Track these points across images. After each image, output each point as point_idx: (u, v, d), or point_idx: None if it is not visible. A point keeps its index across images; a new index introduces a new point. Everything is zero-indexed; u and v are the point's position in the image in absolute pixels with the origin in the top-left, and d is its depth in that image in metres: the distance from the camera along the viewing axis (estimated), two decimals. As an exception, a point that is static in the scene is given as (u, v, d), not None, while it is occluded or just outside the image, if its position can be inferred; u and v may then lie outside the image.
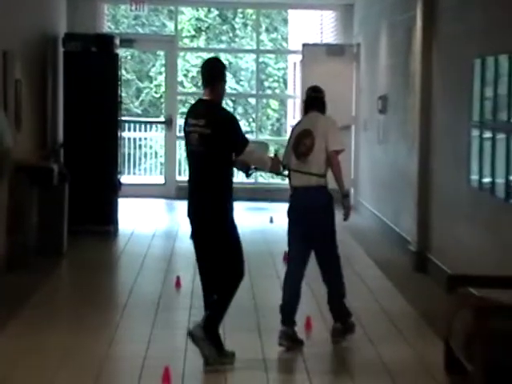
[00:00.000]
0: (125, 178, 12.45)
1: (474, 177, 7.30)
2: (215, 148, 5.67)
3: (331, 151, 6.35)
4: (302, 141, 6.28)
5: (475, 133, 7.32)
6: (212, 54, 21.56)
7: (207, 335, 5.70)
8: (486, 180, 6.99)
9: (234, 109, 21.62)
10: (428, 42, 8.86)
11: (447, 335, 5.61)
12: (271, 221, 11.98)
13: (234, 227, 5.86)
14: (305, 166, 6.25)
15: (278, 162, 6.08)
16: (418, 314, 7.24)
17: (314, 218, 6.36)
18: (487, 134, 7.01)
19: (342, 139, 6.62)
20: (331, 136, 6.36)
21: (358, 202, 13.14)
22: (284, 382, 5.88)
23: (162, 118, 15.49)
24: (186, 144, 5.82)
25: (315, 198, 6.31)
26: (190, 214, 5.84)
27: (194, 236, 5.85)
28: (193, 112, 5.82)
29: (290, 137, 6.44)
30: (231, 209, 5.81)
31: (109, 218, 10.60)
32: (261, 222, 11.99)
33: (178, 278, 7.95)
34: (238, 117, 21.48)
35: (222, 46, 21.78)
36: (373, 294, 7.97)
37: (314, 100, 6.47)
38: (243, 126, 18.33)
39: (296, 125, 6.55)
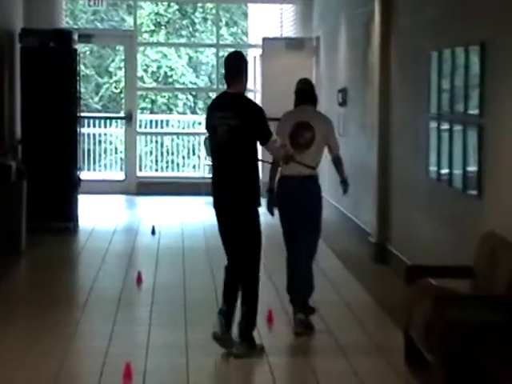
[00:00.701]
0: (84, 174, 12.37)
1: (433, 168, 7.37)
2: (244, 138, 5.83)
3: (336, 155, 6.94)
4: (301, 133, 6.53)
5: (433, 125, 7.38)
6: (172, 49, 21.57)
7: (244, 336, 5.87)
8: (444, 171, 7.06)
9: (195, 103, 21.59)
10: (386, 36, 8.92)
11: (407, 325, 5.66)
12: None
13: (258, 217, 6.02)
14: (300, 157, 6.44)
15: (287, 150, 6.25)
16: (377, 305, 7.30)
17: (304, 206, 6.56)
18: (445, 126, 7.08)
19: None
20: (332, 139, 6.82)
21: (319, 195, 13.16)
22: (248, 374, 5.88)
23: (121, 114, 15.41)
24: (213, 137, 5.92)
25: (308, 186, 6.59)
26: (218, 204, 6.01)
27: (222, 229, 6.03)
28: (219, 105, 5.96)
29: (279, 127, 6.62)
30: (258, 198, 5.97)
31: (68, 214, 10.53)
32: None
33: (139, 273, 7.93)
34: (198, 111, 21.61)
35: (182, 40, 21.72)
36: (333, 285, 8.01)
37: (304, 92, 6.71)
38: (203, 120, 18.28)
39: (287, 115, 6.74)
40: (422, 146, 7.68)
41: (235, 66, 5.94)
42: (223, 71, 5.97)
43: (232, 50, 21.46)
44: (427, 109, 7.52)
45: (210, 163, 6.20)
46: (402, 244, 8.42)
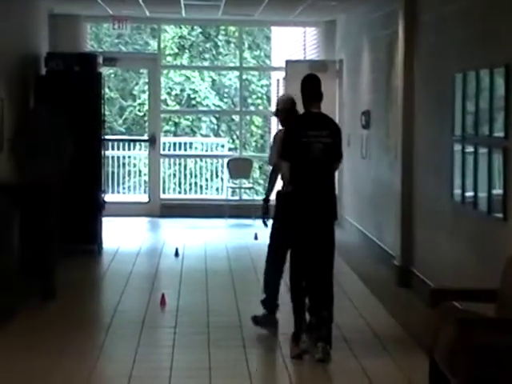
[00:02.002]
0: (108, 197, 12.44)
1: (457, 191, 7.35)
2: (333, 155, 6.50)
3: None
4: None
5: (457, 147, 7.37)
6: (196, 72, 21.69)
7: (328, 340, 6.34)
8: (469, 194, 7.04)
9: (218, 126, 21.69)
10: (409, 57, 8.94)
11: (431, 349, 5.63)
12: (256, 237, 11.99)
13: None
14: None
15: None
16: (401, 328, 7.26)
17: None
18: (469, 148, 7.07)
19: None
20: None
21: (342, 217, 13.17)
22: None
23: (145, 136, 15.51)
24: (304, 154, 6.35)
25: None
26: (308, 217, 6.38)
27: (307, 240, 6.40)
28: (312, 124, 6.47)
29: (276, 143, 6.95)
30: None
31: (93, 236, 10.58)
32: (245, 239, 12.01)
33: (162, 295, 7.95)
34: (221, 134, 21.70)
35: (206, 63, 21.86)
36: (357, 308, 7.99)
37: (292, 113, 7.06)
38: (226, 143, 18.37)
39: (280, 134, 6.99)
40: (446, 168, 7.67)
41: (319, 87, 6.56)
42: (306, 91, 6.55)
43: (255, 72, 21.71)
44: (451, 131, 7.52)
45: (296, 180, 6.46)
46: (426, 267, 8.39)
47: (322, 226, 6.44)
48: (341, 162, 6.70)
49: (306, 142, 6.36)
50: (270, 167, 7.29)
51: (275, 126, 18.93)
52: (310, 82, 6.57)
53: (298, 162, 6.40)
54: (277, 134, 7.32)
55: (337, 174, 13.47)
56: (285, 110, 7.14)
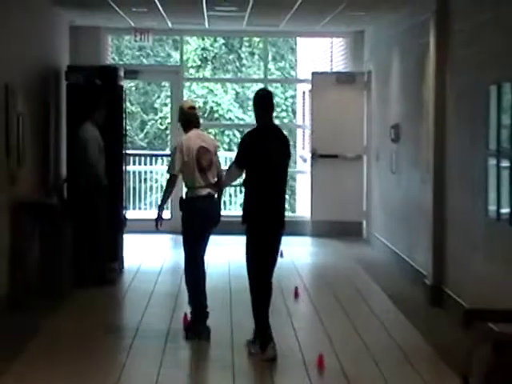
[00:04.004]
0: (130, 213, 12.47)
1: (492, 207, 7.29)
2: (287, 166, 7.12)
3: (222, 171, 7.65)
4: (203, 156, 7.49)
5: (492, 161, 7.32)
6: (218, 84, 21.79)
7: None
8: (504, 210, 6.98)
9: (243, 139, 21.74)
10: (441, 68, 8.91)
11: (466, 372, 5.57)
12: (281, 255, 11.95)
13: None
14: (207, 178, 7.51)
15: None
16: (433, 350, 7.21)
17: (213, 220, 7.62)
18: (505, 163, 7.01)
19: None
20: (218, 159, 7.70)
21: (371, 235, 13.12)
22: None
23: (167, 151, 15.56)
24: (264, 165, 6.93)
25: (215, 205, 7.66)
26: (268, 225, 6.98)
27: (266, 247, 6.98)
28: (269, 136, 7.00)
29: (181, 150, 7.50)
30: None
31: (114, 254, 10.59)
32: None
33: (185, 315, 7.93)
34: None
35: (229, 75, 21.93)
36: (386, 329, 7.94)
37: (196, 117, 7.64)
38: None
39: (185, 141, 7.55)
40: (479, 183, 7.62)
41: (272, 101, 7.04)
42: (257, 106, 6.98)
43: (279, 84, 21.73)
44: (485, 145, 7.47)
45: (254, 188, 7.03)
46: (459, 286, 8.32)
47: (279, 234, 7.00)
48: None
49: (267, 153, 6.85)
50: (168, 176, 7.64)
51: (301, 139, 18.98)
52: (267, 97, 7.04)
53: (257, 170, 6.90)
54: (180, 141, 7.67)
55: (365, 189, 13.60)
56: (183, 115, 7.65)
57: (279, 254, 7.20)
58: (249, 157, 6.91)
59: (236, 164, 7.02)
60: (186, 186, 7.58)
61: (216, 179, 7.53)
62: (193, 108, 7.64)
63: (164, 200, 7.65)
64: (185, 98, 15.81)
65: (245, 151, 6.94)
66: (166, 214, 14.49)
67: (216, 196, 7.64)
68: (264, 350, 6.86)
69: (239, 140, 7.22)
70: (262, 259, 7.01)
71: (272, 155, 6.91)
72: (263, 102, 6.99)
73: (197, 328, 7.51)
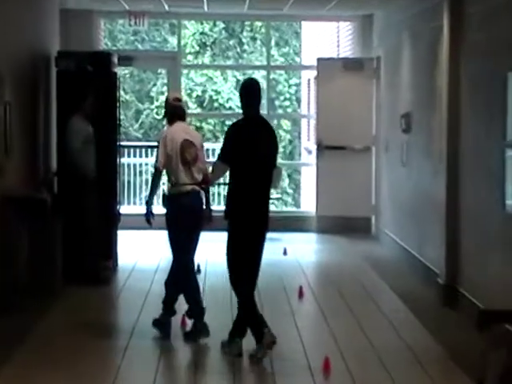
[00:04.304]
0: (124, 209, 12.48)
1: (510, 201, 7.30)
2: (274, 159, 7.26)
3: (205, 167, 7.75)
4: (187, 150, 7.55)
5: (510, 153, 7.33)
6: (218, 72, 21.79)
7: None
8: (522, 204, 7.00)
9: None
10: (455, 54, 8.91)
11: (481, 375, 5.59)
12: (285, 252, 11.99)
13: None
14: (192, 173, 7.57)
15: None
16: (446, 353, 7.23)
17: (199, 217, 7.65)
18: (522, 154, 7.03)
19: None
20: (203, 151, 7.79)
21: (380, 231, 13.14)
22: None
23: (164, 142, 15.52)
24: (252, 155, 7.00)
25: (200, 201, 7.67)
26: (255, 218, 7.08)
27: (252, 241, 7.10)
28: (259, 127, 7.10)
29: (165, 143, 7.54)
30: None
31: (107, 251, 10.61)
32: (273, 254, 12.00)
33: (183, 316, 7.95)
34: (247, 139, 21.70)
35: (229, 62, 21.92)
36: (396, 330, 7.97)
37: (181, 109, 7.70)
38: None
39: (174, 134, 7.60)
40: (496, 176, 7.63)
41: (260, 91, 7.08)
42: (244, 96, 7.03)
43: (283, 72, 21.70)
44: (503, 135, 7.48)
45: (233, 179, 7.12)
46: (474, 285, 8.34)
47: (265, 228, 7.13)
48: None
49: (256, 145, 6.93)
50: (154, 170, 7.72)
51: (305, 129, 18.98)
52: (255, 86, 7.09)
53: (242, 164, 6.96)
54: (162, 134, 7.84)
55: (374, 182, 13.60)
56: (168, 106, 7.76)
57: (261, 255, 7.23)
58: (234, 150, 6.95)
59: (221, 159, 7.06)
60: (169, 181, 7.62)
61: (201, 176, 7.56)
62: (178, 100, 7.72)
63: (151, 194, 7.69)
64: (182, 86, 15.82)
65: (230, 144, 6.98)
66: (157, 209, 14.55)
67: (202, 192, 7.68)
68: (261, 339, 6.97)
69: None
70: (243, 259, 7.11)
71: (259, 148, 6.97)
72: (250, 92, 7.04)
73: (195, 327, 7.59)
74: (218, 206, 15.48)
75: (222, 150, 7.03)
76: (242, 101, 7.10)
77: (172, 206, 7.57)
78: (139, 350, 7.29)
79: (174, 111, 7.66)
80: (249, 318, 7.12)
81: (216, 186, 15.85)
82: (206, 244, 12.57)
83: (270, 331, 6.98)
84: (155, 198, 7.87)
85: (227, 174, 7.15)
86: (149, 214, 7.60)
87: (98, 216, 9.98)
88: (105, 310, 8.91)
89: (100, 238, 10.20)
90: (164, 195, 7.70)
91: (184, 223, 7.54)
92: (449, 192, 9.02)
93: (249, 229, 7.06)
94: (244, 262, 7.13)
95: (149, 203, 7.67)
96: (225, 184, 15.52)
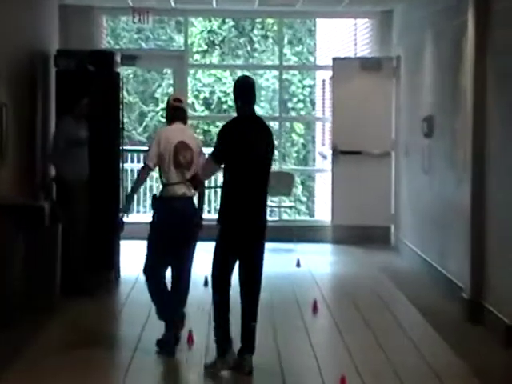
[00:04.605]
0: (127, 217, 12.47)
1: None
2: (271, 159, 7.36)
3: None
4: (181, 152, 7.58)
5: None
6: (227, 72, 21.81)
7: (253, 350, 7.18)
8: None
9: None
10: (481, 53, 8.89)
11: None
12: (298, 264, 11.97)
13: None
14: (184, 177, 7.63)
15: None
16: (470, 369, 7.21)
17: (189, 224, 7.67)
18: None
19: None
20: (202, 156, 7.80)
21: (400, 241, 13.10)
22: None
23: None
24: (246, 157, 7.08)
25: (191, 206, 7.67)
26: (246, 222, 7.13)
27: (239, 246, 7.13)
28: (252, 126, 7.17)
29: (158, 142, 7.63)
30: None
31: (109, 262, 10.61)
32: (286, 266, 11.98)
33: (190, 332, 7.95)
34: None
35: (239, 61, 21.94)
36: (416, 347, 7.95)
37: (180, 110, 7.80)
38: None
39: (166, 133, 7.74)
40: (524, 183, 7.60)
41: (254, 90, 7.14)
42: (238, 94, 7.08)
43: (297, 72, 21.70)
44: (531, 140, 7.45)
45: (227, 181, 7.16)
46: (502, 301, 8.30)
47: (261, 234, 7.16)
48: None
49: (243, 144, 6.97)
50: (142, 165, 7.84)
51: (320, 133, 18.98)
52: (249, 84, 7.18)
53: (236, 165, 7.03)
54: (159, 132, 8.04)
55: (393, 189, 13.57)
56: (168, 107, 7.87)
57: (258, 271, 7.18)
58: (227, 150, 7.02)
59: (213, 157, 7.14)
60: (161, 182, 7.73)
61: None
62: (179, 100, 7.83)
63: (132, 192, 7.93)
64: (189, 87, 15.83)
65: (223, 144, 7.05)
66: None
67: (196, 198, 7.70)
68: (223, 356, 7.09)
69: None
70: (230, 275, 7.14)
71: (253, 148, 7.02)
72: (243, 91, 7.12)
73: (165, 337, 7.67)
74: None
75: (214, 149, 7.12)
76: (235, 100, 7.17)
77: (159, 209, 7.64)
78: (143, 366, 7.29)
79: (174, 112, 7.77)
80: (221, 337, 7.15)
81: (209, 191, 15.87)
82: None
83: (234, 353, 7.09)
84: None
85: (223, 176, 7.21)
86: (126, 211, 7.91)
87: (96, 224, 9.99)
88: (107, 324, 8.90)
89: (100, 249, 10.20)
90: (154, 196, 7.78)
91: (167, 229, 7.58)
92: (474, 200, 8.98)
93: (240, 236, 7.09)
94: (229, 266, 7.14)
95: (128, 200, 7.92)
96: (215, 187, 15.48)
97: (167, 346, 7.63)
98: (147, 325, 8.56)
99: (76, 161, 9.95)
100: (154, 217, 7.71)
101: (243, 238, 7.09)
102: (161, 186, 7.72)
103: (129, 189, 13.59)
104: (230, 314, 7.10)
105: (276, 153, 18.20)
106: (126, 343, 8.09)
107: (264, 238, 7.18)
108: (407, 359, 7.49)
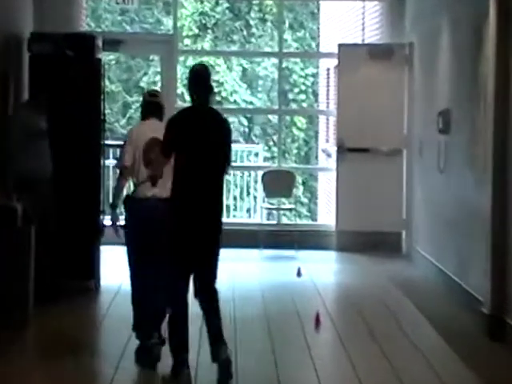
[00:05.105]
0: (108, 220, 12.45)
1: None
2: (224, 156, 7.42)
3: None
4: (153, 149, 7.71)
5: None
6: (221, 59, 21.81)
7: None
8: None
9: (250, 129, 21.73)
10: (503, 40, 8.88)
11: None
12: (299, 273, 11.95)
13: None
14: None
15: None
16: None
17: (160, 229, 7.55)
18: None
19: None
20: None
21: (412, 249, 13.08)
22: None
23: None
24: (195, 153, 7.21)
25: (163, 209, 7.57)
26: (196, 224, 7.24)
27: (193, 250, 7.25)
28: (202, 119, 7.30)
29: (131, 140, 7.86)
30: None
31: (89, 270, 10.59)
32: (285, 275, 11.96)
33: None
34: (254, 139, 21.70)
35: (234, 48, 21.95)
36: (431, 365, 7.94)
37: (155, 105, 8.01)
38: (261, 150, 18.38)
39: (139, 129, 7.98)
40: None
41: (208, 78, 7.31)
42: (191, 83, 7.26)
43: (297, 59, 21.72)
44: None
45: (181, 179, 7.29)
46: (525, 315, 8.29)
47: (206, 244, 7.26)
48: (229, 167, 7.45)
49: (193, 136, 7.13)
50: (118, 170, 8.10)
51: (324, 128, 18.96)
52: (204, 72, 7.37)
53: (184, 159, 7.17)
54: (131, 129, 8.29)
55: (405, 191, 13.55)
56: (143, 101, 8.14)
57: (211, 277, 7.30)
58: (175, 143, 7.19)
59: (162, 151, 7.32)
60: (133, 182, 7.93)
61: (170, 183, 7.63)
62: (154, 95, 8.10)
63: (114, 199, 8.09)
64: (178, 76, 15.82)
65: (171, 135, 7.21)
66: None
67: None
68: (176, 377, 7.17)
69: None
70: (181, 278, 7.27)
71: (202, 141, 7.16)
72: (196, 80, 7.30)
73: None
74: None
75: (163, 142, 7.29)
76: (188, 90, 7.36)
77: (129, 212, 7.85)
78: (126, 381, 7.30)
79: (147, 107, 7.99)
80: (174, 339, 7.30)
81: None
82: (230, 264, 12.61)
83: (189, 374, 7.22)
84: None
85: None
86: (115, 220, 7.94)
87: (73, 228, 9.97)
88: (84, 339, 8.86)
89: (77, 254, 10.18)
90: (127, 197, 8.00)
91: (140, 235, 7.70)
92: (495, 203, 8.97)
93: (189, 238, 7.21)
94: (184, 281, 7.26)
95: (114, 208, 8.00)
96: (248, 193, 15.52)
97: (145, 356, 7.74)
98: (130, 341, 8.52)
99: (36, 155, 9.89)
100: (125, 220, 7.87)
101: (192, 239, 7.21)
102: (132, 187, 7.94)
103: (110, 188, 13.60)
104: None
105: (275, 150, 18.25)
106: (106, 361, 8.05)
107: (217, 241, 7.31)
108: (419, 377, 7.48)
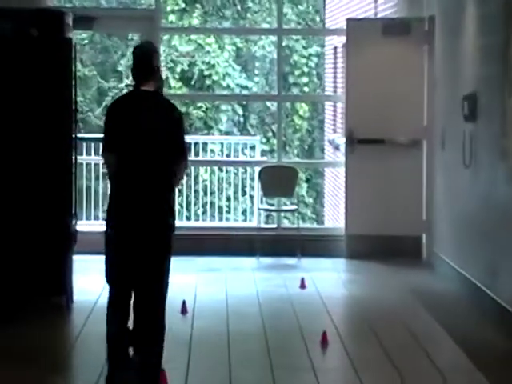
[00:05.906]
0: (82, 225, 12.43)
1: None
2: (169, 149, 7.52)
3: None
4: None
5: None
6: (212, 38, 21.80)
7: None
8: None
9: (246, 118, 21.74)
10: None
11: None
12: (302, 285, 11.95)
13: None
14: None
15: None
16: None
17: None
18: None
19: None
20: None
21: (433, 255, 13.09)
22: None
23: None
24: (130, 144, 7.35)
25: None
26: (131, 227, 7.43)
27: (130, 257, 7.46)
28: (138, 106, 7.43)
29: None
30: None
31: (58, 284, 10.57)
32: (287, 287, 11.96)
33: (162, 373, 7.91)
34: (250, 129, 21.70)
35: (227, 24, 21.96)
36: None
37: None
38: (258, 143, 18.39)
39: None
40: None
41: (150, 59, 7.43)
42: (133, 65, 7.44)
43: (299, 37, 21.73)
44: None
45: (113, 178, 7.51)
46: None
47: (147, 246, 7.35)
48: (184, 160, 7.46)
49: (129, 129, 7.28)
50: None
51: (330, 116, 18.97)
52: (142, 50, 7.54)
53: (122, 152, 7.31)
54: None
55: (425, 189, 13.54)
56: None
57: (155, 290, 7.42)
58: (115, 133, 7.35)
59: (105, 148, 7.45)
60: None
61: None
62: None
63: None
64: (162, 57, 15.81)
65: (109, 127, 7.39)
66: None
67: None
68: None
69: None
70: (117, 285, 7.56)
71: (139, 130, 7.27)
72: (135, 60, 7.50)
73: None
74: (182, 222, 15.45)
75: (103, 136, 7.43)
76: (131, 70, 7.54)
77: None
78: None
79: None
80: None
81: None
82: (196, 274, 12.59)
83: None
84: None
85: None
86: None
87: (39, 235, 9.97)
88: (54, 363, 8.86)
89: (45, 266, 10.19)
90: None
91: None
92: (529, 202, 8.99)
93: (126, 240, 7.36)
94: (119, 289, 7.52)
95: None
96: (244, 193, 15.49)
97: None
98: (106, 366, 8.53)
99: None
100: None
101: (129, 243, 7.38)
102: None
103: (84, 188, 13.58)
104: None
105: (274, 142, 18.25)
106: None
107: (165, 246, 7.42)
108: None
